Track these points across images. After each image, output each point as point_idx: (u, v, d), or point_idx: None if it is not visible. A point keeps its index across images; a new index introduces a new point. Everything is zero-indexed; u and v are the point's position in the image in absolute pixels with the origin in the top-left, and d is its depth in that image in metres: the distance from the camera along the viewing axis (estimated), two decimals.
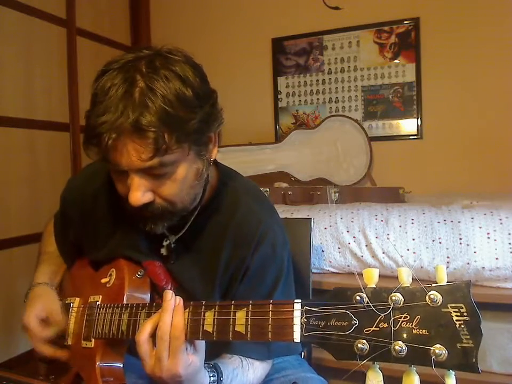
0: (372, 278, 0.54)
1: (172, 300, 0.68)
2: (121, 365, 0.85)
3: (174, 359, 0.66)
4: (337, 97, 2.84)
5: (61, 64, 2.59)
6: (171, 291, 0.69)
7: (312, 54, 2.88)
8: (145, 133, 0.68)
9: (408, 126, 2.69)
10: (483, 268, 1.47)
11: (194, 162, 0.78)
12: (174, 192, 0.77)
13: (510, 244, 1.46)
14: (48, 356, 0.91)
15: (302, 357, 1.17)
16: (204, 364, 0.73)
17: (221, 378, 0.76)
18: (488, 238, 1.48)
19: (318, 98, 2.89)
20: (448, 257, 1.51)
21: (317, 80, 2.88)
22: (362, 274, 0.56)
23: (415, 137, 2.67)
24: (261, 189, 1.02)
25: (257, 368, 0.86)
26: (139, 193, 0.73)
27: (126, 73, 0.71)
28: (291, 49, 2.92)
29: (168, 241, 0.89)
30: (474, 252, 1.48)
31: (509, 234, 1.47)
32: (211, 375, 0.74)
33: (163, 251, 0.89)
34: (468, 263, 1.48)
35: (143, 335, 0.68)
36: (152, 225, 0.80)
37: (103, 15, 2.93)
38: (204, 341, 0.70)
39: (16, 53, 2.31)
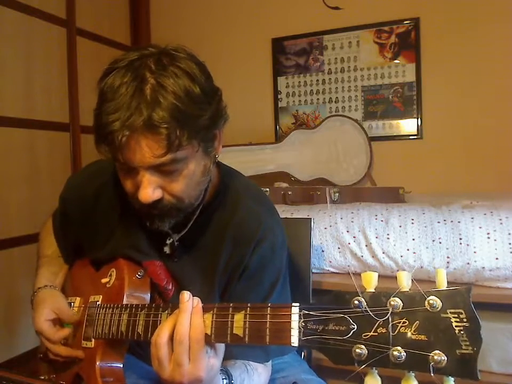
0: (370, 282, 0.54)
1: (189, 301, 0.65)
2: (122, 365, 0.85)
3: (195, 363, 0.63)
4: (337, 97, 2.84)
5: (61, 64, 2.59)
6: (188, 292, 0.66)
7: (312, 54, 2.88)
8: (158, 129, 0.68)
9: (408, 126, 2.69)
10: (483, 268, 1.47)
11: (202, 158, 0.79)
12: (183, 188, 0.77)
13: (510, 244, 1.46)
14: (65, 356, 0.90)
15: (302, 357, 1.17)
16: None
17: (232, 381, 0.76)
18: (488, 238, 1.48)
19: (318, 98, 2.89)
20: (448, 257, 1.51)
21: (317, 80, 2.88)
22: (360, 276, 0.55)
23: (415, 137, 2.67)
24: (261, 189, 1.02)
25: (261, 374, 0.86)
26: (150, 190, 0.73)
27: (135, 71, 0.71)
28: (291, 49, 2.92)
29: (171, 239, 0.89)
30: (474, 252, 1.48)
31: (509, 234, 1.47)
32: (223, 377, 0.74)
33: (166, 249, 0.89)
34: (468, 263, 1.48)
35: (162, 338, 0.65)
36: (159, 222, 0.80)
37: (103, 15, 2.93)
38: (223, 344, 0.68)
39: (16, 53, 2.31)
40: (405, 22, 2.64)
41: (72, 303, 0.95)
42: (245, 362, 0.84)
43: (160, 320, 0.72)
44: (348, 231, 1.66)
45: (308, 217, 1.50)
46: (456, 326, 0.48)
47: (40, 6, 2.42)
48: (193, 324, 0.64)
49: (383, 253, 1.60)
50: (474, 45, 2.48)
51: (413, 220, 1.60)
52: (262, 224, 0.88)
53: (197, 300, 0.66)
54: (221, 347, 0.68)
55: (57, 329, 0.90)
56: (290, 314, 0.58)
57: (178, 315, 0.65)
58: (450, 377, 0.48)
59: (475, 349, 0.47)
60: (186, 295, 0.66)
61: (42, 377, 0.96)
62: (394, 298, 0.51)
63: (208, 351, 0.65)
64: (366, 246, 1.62)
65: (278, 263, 0.90)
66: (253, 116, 2.99)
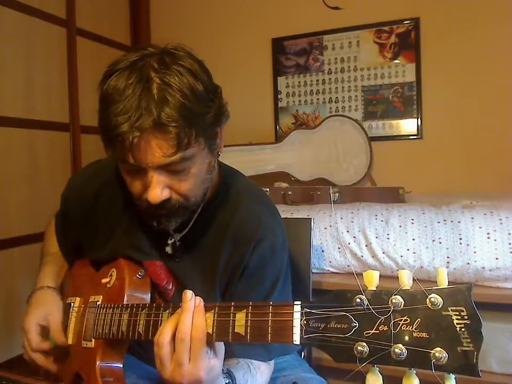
0: (372, 281, 0.54)
1: (191, 300, 0.66)
2: (121, 365, 0.85)
3: (195, 363, 0.63)
4: (337, 97, 2.84)
5: (61, 64, 2.59)
6: (190, 291, 0.67)
7: (312, 54, 2.88)
8: (167, 128, 0.68)
9: (408, 126, 2.69)
10: (483, 268, 1.47)
11: (207, 156, 0.79)
12: (190, 187, 0.77)
13: (510, 244, 1.46)
14: (39, 365, 0.90)
15: (302, 357, 1.17)
16: None
17: (235, 383, 0.76)
18: (488, 238, 1.48)
19: (318, 98, 2.89)
20: (448, 257, 1.51)
21: (317, 80, 2.88)
22: (362, 275, 0.55)
23: (415, 137, 2.67)
24: (262, 189, 1.02)
25: (263, 372, 0.86)
26: (158, 190, 0.73)
27: (140, 71, 0.71)
28: (291, 49, 2.92)
29: (173, 239, 0.89)
30: (474, 252, 1.48)
31: (509, 234, 1.47)
32: (227, 381, 0.74)
33: (168, 249, 0.89)
34: (468, 263, 1.48)
35: (165, 337, 0.65)
36: (166, 222, 0.80)
37: (103, 15, 2.93)
38: (223, 345, 0.69)
39: (16, 53, 2.32)
40: (405, 22, 2.64)
41: (72, 303, 0.95)
42: (247, 361, 0.84)
43: (161, 319, 0.72)
44: (348, 231, 1.66)
45: (308, 217, 1.50)
46: (457, 324, 0.48)
47: (40, 6, 2.42)
48: (195, 323, 0.64)
49: (383, 253, 1.60)
50: (474, 45, 2.48)
51: (413, 220, 1.60)
52: (262, 224, 0.88)
53: (199, 299, 0.67)
54: (221, 348, 0.68)
55: (41, 340, 0.90)
56: (292, 313, 0.59)
57: (180, 314, 0.65)
58: (451, 374, 0.48)
59: (476, 346, 0.47)
60: (189, 294, 0.66)
61: (42, 377, 0.96)
62: (395, 296, 0.52)
63: (208, 352, 0.66)
64: (366, 246, 1.62)
65: (278, 262, 0.90)
66: (253, 116, 3.00)
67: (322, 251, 1.69)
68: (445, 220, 1.56)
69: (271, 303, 0.62)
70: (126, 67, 0.72)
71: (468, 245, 1.49)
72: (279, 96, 2.98)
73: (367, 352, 0.52)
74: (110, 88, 0.72)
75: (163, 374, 0.66)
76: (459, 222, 1.53)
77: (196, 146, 0.73)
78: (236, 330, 0.63)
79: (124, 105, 0.69)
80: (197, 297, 0.67)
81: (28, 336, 0.90)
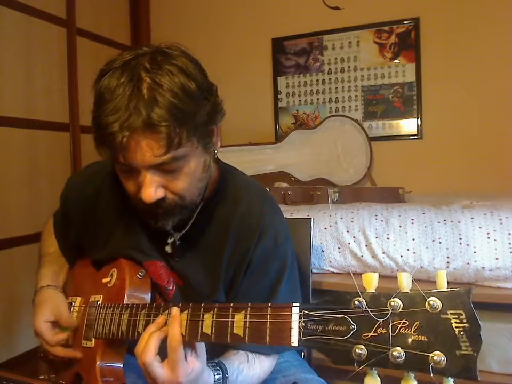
0: (371, 283, 0.54)
1: (160, 321, 0.70)
2: (121, 365, 0.85)
3: (174, 371, 0.66)
4: (337, 97, 2.84)
5: (61, 64, 2.58)
6: (176, 308, 0.69)
7: (312, 54, 2.88)
8: (157, 128, 0.68)
9: (408, 126, 2.69)
10: (483, 267, 1.47)
11: (202, 155, 0.79)
12: (185, 186, 0.77)
13: (510, 244, 1.46)
14: (63, 357, 0.91)
15: (302, 357, 1.17)
16: (208, 362, 0.73)
17: (226, 375, 0.76)
18: (488, 238, 1.48)
19: (318, 98, 2.89)
20: (448, 257, 1.51)
21: (317, 80, 2.88)
22: (361, 276, 0.55)
23: (415, 137, 2.67)
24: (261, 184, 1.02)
25: (263, 361, 0.86)
26: (152, 189, 0.73)
27: (131, 71, 0.71)
28: (291, 49, 2.92)
29: (172, 238, 0.89)
30: (474, 252, 1.48)
31: (509, 234, 1.47)
32: (216, 373, 0.74)
33: (168, 249, 0.90)
34: (468, 263, 1.48)
35: (151, 356, 0.67)
36: (163, 221, 0.80)
37: (103, 15, 2.93)
38: (203, 344, 0.70)
39: (16, 53, 2.31)
40: (405, 22, 2.64)
41: (72, 303, 0.95)
42: (247, 351, 0.84)
43: None
44: (347, 231, 1.66)
45: (308, 217, 1.50)
46: (456, 327, 0.48)
47: (40, 6, 2.42)
48: (170, 333, 0.66)
49: (383, 253, 1.60)
50: (474, 45, 2.48)
51: (413, 220, 1.60)
52: (263, 217, 0.88)
53: (175, 310, 0.68)
54: (202, 348, 0.70)
55: (55, 332, 0.91)
56: (291, 314, 0.59)
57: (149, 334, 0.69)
58: (450, 378, 0.48)
59: (475, 350, 0.47)
60: (162, 318, 0.70)
61: (42, 377, 0.97)
62: (394, 299, 0.51)
63: (189, 353, 0.67)
64: (366, 246, 1.62)
65: (282, 255, 0.90)
66: (253, 115, 3.00)
67: (322, 251, 1.69)
68: (445, 220, 1.56)
69: (269, 304, 0.62)
70: (119, 66, 0.72)
71: (468, 245, 1.49)
72: (279, 96, 2.98)
73: (365, 355, 0.51)
74: (103, 87, 0.72)
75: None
76: (459, 222, 1.53)
77: (188, 145, 0.73)
78: (234, 332, 0.63)
79: (115, 105, 0.69)
80: (173, 307, 0.68)
81: (41, 335, 0.90)
